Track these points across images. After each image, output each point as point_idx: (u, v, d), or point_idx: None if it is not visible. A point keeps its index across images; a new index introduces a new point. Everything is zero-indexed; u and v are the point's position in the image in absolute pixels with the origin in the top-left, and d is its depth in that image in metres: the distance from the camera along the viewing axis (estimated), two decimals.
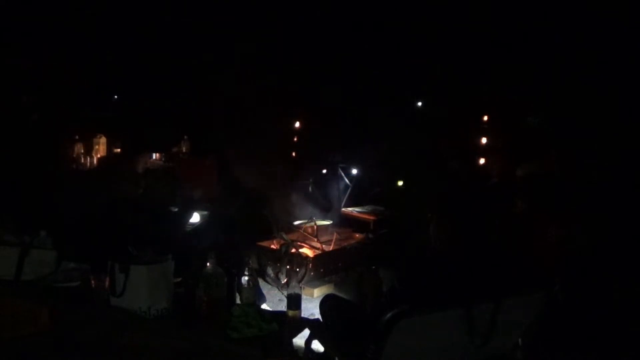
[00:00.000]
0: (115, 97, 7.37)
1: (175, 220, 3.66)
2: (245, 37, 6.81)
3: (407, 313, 1.91)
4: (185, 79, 6.79)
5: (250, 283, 2.61)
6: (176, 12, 6.63)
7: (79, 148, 6.05)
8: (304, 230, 5.05)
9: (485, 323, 2.03)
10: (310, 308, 4.09)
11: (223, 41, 6.87)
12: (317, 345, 2.60)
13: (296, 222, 5.18)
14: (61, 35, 6.02)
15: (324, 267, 4.74)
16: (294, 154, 7.39)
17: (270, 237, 4.98)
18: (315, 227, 5.05)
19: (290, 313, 2.60)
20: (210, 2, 6.80)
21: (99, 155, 6.17)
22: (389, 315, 1.89)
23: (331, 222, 5.28)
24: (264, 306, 3.71)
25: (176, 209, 3.78)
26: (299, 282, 4.47)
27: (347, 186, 6.19)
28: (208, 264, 2.49)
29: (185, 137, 6.54)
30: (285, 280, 4.56)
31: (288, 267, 4.63)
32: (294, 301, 2.62)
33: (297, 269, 4.60)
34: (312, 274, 4.66)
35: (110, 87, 6.95)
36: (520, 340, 2.25)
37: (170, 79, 6.70)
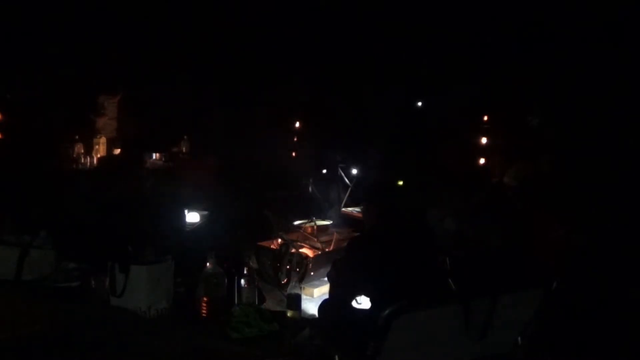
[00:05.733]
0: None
1: (175, 219, 3.66)
2: (245, 36, 6.81)
3: (406, 309, 1.92)
4: (185, 78, 6.79)
5: (250, 283, 2.61)
6: (176, 12, 6.63)
7: (79, 148, 6.05)
8: (304, 230, 5.05)
9: (483, 319, 2.04)
10: (310, 308, 4.08)
11: (223, 40, 6.87)
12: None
13: (296, 222, 5.18)
14: (60, 35, 6.02)
15: (324, 267, 4.74)
16: (294, 154, 7.39)
17: (270, 237, 4.98)
18: (315, 227, 5.05)
19: (290, 313, 2.61)
20: (210, 2, 6.80)
21: (99, 155, 6.17)
22: (387, 311, 1.89)
23: (331, 222, 5.28)
24: (264, 306, 3.71)
25: (176, 209, 3.78)
26: (299, 282, 4.46)
27: (347, 186, 6.19)
28: (208, 264, 2.49)
29: (185, 137, 6.54)
30: (285, 280, 4.56)
31: (288, 267, 4.63)
32: (294, 301, 2.62)
33: (297, 269, 4.60)
34: (312, 274, 4.65)
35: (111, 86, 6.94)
36: (520, 339, 2.25)
37: (170, 78, 6.70)
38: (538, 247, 4.52)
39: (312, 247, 4.84)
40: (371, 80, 7.19)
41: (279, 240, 4.85)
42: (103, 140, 6.26)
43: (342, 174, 6.28)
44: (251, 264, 2.77)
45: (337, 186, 6.30)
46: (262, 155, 6.78)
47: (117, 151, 6.25)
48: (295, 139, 7.40)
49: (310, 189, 6.18)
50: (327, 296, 3.31)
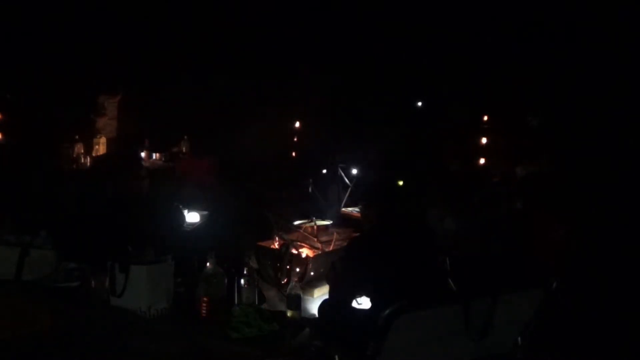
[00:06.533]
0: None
1: (175, 219, 3.65)
2: (245, 36, 6.81)
3: (406, 309, 1.92)
4: (186, 78, 6.79)
5: (250, 283, 2.61)
6: (176, 12, 6.63)
7: (79, 148, 6.05)
8: (304, 230, 5.05)
9: (483, 319, 2.04)
10: (310, 308, 4.09)
11: (223, 40, 6.87)
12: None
13: (296, 222, 5.18)
14: (60, 35, 6.02)
15: (324, 267, 4.74)
16: (294, 154, 7.39)
17: (270, 237, 4.98)
18: (315, 227, 5.05)
19: (290, 313, 2.60)
20: (210, 2, 6.80)
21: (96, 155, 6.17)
22: (387, 311, 1.89)
23: (331, 222, 5.28)
24: (264, 306, 3.71)
25: (176, 209, 3.78)
26: (299, 282, 4.46)
27: (347, 186, 6.19)
28: (208, 264, 2.49)
29: (185, 137, 6.54)
30: (285, 280, 4.56)
31: (288, 267, 4.63)
32: (294, 301, 2.62)
33: (297, 269, 4.60)
34: (312, 274, 4.65)
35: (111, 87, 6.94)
36: (520, 339, 2.25)
37: (170, 78, 6.70)
38: (538, 247, 4.52)
39: (312, 247, 4.85)
40: (371, 80, 7.20)
41: (279, 240, 4.86)
42: (103, 140, 6.26)
43: (342, 174, 6.28)
44: (251, 264, 2.77)
45: (337, 186, 6.30)
46: (262, 155, 6.79)
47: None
48: (295, 139, 7.40)
49: (310, 189, 6.18)
50: (327, 296, 3.31)
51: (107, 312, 2.47)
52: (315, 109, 7.16)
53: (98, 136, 6.29)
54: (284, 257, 4.67)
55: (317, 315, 3.07)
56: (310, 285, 4.61)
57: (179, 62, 6.75)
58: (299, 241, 4.85)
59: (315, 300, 4.31)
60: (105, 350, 2.25)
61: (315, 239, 4.92)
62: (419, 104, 7.63)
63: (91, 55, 6.22)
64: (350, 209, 5.91)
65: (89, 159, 6.03)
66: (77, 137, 6.07)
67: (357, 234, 4.31)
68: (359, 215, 5.70)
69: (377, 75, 7.20)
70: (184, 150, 6.55)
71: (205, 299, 2.44)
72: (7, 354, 2.21)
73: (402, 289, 2.56)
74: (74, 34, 6.08)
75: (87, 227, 3.18)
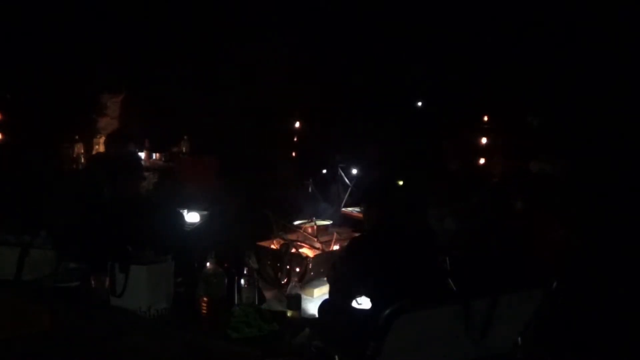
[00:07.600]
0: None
1: (175, 219, 3.65)
2: (246, 37, 6.81)
3: (406, 309, 1.92)
4: (185, 79, 6.78)
5: (250, 283, 2.61)
6: (178, 11, 6.63)
7: (79, 148, 6.05)
8: (304, 230, 5.05)
9: (483, 319, 2.04)
10: (310, 308, 4.09)
11: (224, 40, 6.87)
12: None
13: (296, 222, 5.18)
14: (60, 35, 6.02)
15: (324, 267, 4.74)
16: (294, 154, 7.38)
17: (270, 237, 4.98)
18: (315, 227, 5.05)
19: (290, 313, 2.60)
20: (211, 2, 6.80)
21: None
22: (387, 311, 1.89)
23: (331, 222, 5.28)
24: (264, 306, 3.70)
25: (177, 208, 3.78)
26: (299, 282, 4.47)
27: (347, 186, 6.19)
28: (208, 264, 2.49)
29: (185, 137, 6.54)
30: (285, 280, 4.56)
31: (288, 267, 4.63)
32: (294, 301, 2.62)
33: (297, 269, 4.60)
34: (312, 274, 4.65)
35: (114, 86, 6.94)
36: (520, 339, 2.25)
37: (170, 78, 6.70)
38: (538, 247, 4.53)
39: (312, 247, 4.85)
40: (371, 79, 7.20)
41: (279, 240, 4.86)
42: (103, 139, 6.26)
43: (342, 174, 6.28)
44: (251, 264, 2.77)
45: (337, 186, 6.30)
46: (262, 155, 6.79)
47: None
48: (295, 139, 7.40)
49: (310, 189, 6.18)
50: (327, 296, 3.32)
51: (107, 312, 2.47)
52: (315, 109, 7.16)
53: (98, 136, 6.28)
54: (284, 257, 4.67)
55: (317, 315, 3.07)
56: (310, 285, 4.61)
57: (179, 61, 6.75)
58: (299, 241, 4.85)
59: (315, 300, 4.31)
60: (105, 349, 2.26)
61: (315, 239, 4.92)
62: (419, 104, 7.62)
63: (92, 54, 6.21)
64: (350, 209, 5.91)
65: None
66: (77, 137, 6.07)
67: (358, 234, 4.31)
68: (359, 215, 5.72)
69: (377, 75, 7.19)
70: (184, 150, 6.55)
71: (205, 299, 2.44)
72: (7, 354, 2.22)
73: (402, 289, 2.57)
74: (74, 33, 6.08)
75: (87, 227, 3.18)
